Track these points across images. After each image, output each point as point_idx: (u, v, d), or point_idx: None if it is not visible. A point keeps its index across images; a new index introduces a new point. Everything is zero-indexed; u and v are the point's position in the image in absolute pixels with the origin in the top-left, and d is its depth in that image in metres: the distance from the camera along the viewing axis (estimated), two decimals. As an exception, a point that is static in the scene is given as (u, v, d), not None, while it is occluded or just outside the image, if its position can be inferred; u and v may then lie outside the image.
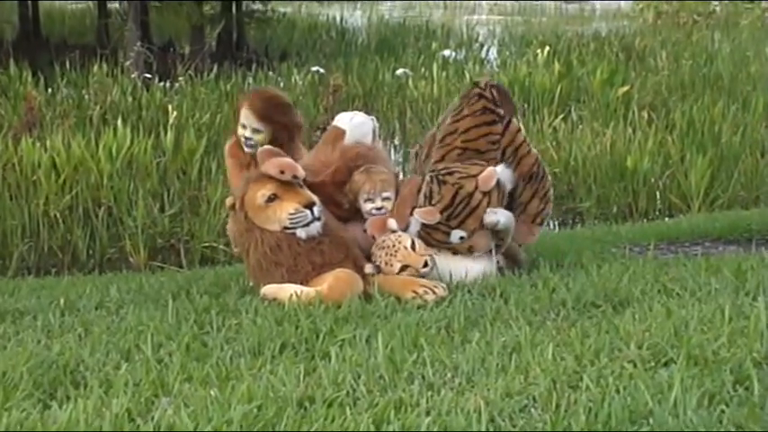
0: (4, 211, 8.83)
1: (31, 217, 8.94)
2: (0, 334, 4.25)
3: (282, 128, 5.29)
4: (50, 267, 8.47)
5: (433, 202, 4.87)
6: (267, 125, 5.26)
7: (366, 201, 5.03)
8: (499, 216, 4.87)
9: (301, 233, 4.62)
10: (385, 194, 5.04)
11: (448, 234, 4.85)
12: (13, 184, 9.25)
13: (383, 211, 5.02)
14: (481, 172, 4.86)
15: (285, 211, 4.60)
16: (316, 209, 4.62)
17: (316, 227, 4.63)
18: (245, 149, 5.30)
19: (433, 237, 4.88)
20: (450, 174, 4.90)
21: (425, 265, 4.73)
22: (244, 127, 5.32)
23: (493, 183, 4.83)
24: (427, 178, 4.96)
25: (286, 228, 4.62)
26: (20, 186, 9.20)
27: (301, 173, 4.72)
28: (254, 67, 16.48)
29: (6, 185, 9.21)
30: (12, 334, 4.24)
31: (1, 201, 8.97)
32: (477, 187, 4.83)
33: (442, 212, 4.83)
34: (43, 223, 8.92)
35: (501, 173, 4.91)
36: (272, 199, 4.62)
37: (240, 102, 5.50)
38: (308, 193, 4.66)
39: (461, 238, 4.85)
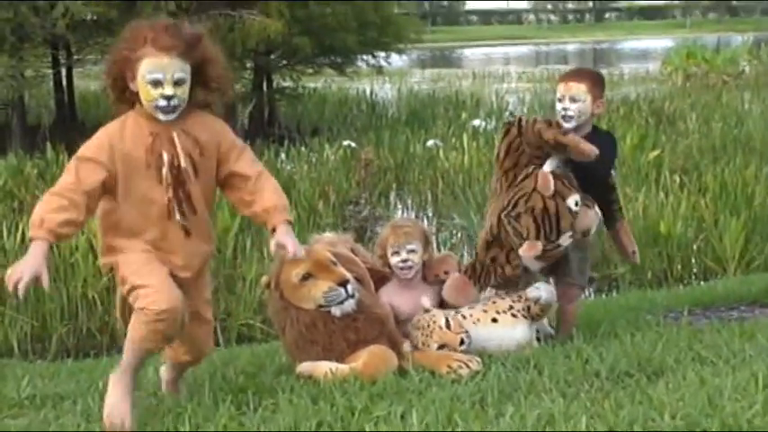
0: (43, 294, 8.93)
1: (69, 299, 9.05)
2: (41, 419, 4.30)
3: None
4: (89, 350, 8.54)
5: (525, 236, 4.95)
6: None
7: (393, 254, 5.15)
8: (542, 291, 4.91)
9: (336, 311, 4.66)
10: (410, 246, 5.12)
11: (558, 244, 4.96)
12: (51, 267, 9.37)
13: (409, 263, 5.11)
14: (535, 182, 4.95)
15: (320, 290, 4.64)
16: (350, 286, 4.66)
17: (350, 304, 4.67)
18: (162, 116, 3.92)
19: (552, 255, 5.01)
20: (515, 205, 4.98)
21: (462, 342, 4.76)
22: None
23: (550, 183, 4.90)
24: (508, 227, 5.03)
25: (321, 306, 4.67)
26: (58, 269, 9.32)
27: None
28: (286, 143, 16.68)
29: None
30: (52, 419, 4.29)
31: (40, 284, 9.10)
32: (542, 196, 4.93)
33: (538, 238, 4.91)
34: (82, 305, 9.02)
35: (549, 166, 5.02)
36: (306, 278, 4.67)
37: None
38: (342, 270, 4.71)
39: (575, 211, 5.01)
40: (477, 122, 18.75)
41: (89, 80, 25.42)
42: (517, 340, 4.91)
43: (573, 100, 5.06)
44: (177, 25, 3.97)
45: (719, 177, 11.66)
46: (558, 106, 5.11)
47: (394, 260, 5.14)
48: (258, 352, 6.10)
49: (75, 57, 21.32)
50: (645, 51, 50.74)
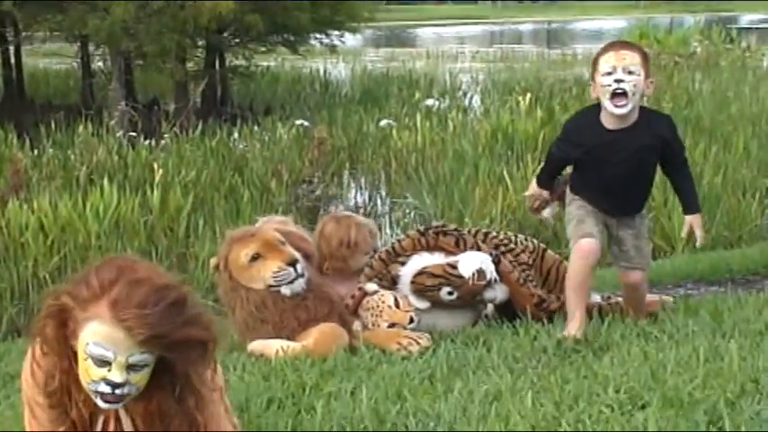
0: (-6, 275, 8.90)
1: (20, 279, 9.00)
2: (-10, 398, 4.30)
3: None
4: (40, 329, 8.50)
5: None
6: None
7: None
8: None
9: (286, 290, 4.69)
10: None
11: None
12: (1, 247, 9.32)
13: None
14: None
15: (269, 270, 4.67)
16: (299, 266, 4.69)
17: (300, 284, 4.70)
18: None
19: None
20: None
21: (411, 320, 4.80)
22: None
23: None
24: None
25: (270, 286, 4.69)
26: (8, 249, 9.27)
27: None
28: (238, 122, 16.63)
29: (-6, 248, 9.28)
30: (2, 398, 4.29)
31: (-11, 263, 9.04)
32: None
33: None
34: (32, 285, 8.97)
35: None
36: (255, 258, 4.69)
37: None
38: (291, 250, 4.73)
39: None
40: (430, 102, 18.77)
41: (37, 57, 25.15)
42: (464, 323, 4.98)
43: (628, 72, 4.45)
44: (159, 296, 2.69)
45: (669, 157, 11.77)
46: (606, 80, 4.47)
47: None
48: (210, 330, 6.10)
49: (24, 34, 21.08)
50: (598, 32, 50.96)
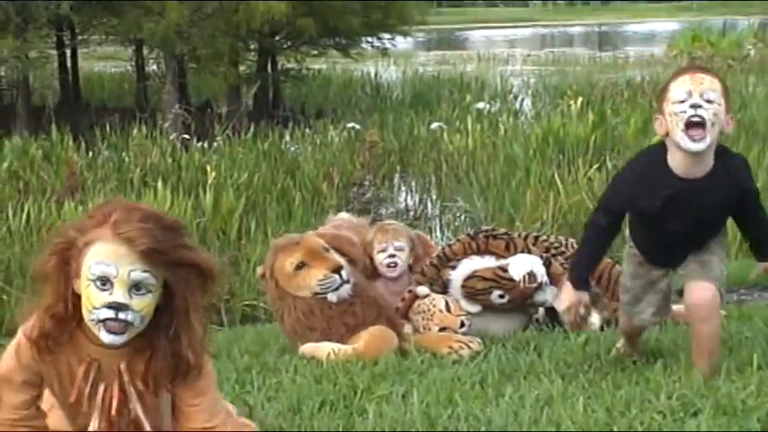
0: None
1: (74, 280, 9.09)
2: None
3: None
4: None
5: None
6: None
7: (379, 252, 5.20)
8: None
9: (332, 297, 4.71)
10: (397, 244, 5.19)
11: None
12: (57, 248, 9.43)
13: (395, 259, 5.16)
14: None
15: (314, 278, 4.69)
16: (344, 272, 4.71)
17: (346, 289, 4.73)
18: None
19: None
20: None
21: (462, 325, 4.82)
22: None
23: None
24: None
25: (317, 293, 4.72)
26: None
27: None
28: (290, 125, 16.73)
29: (50, 249, 9.40)
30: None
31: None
32: None
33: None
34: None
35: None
36: (300, 266, 4.72)
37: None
38: (335, 257, 4.76)
39: None
40: (481, 105, 18.76)
41: (93, 61, 25.47)
42: (515, 327, 4.99)
43: (707, 99, 3.59)
44: (159, 217, 2.74)
45: (723, 161, 11.67)
46: (680, 108, 3.60)
47: (380, 257, 5.23)
48: (262, 332, 6.17)
49: (80, 37, 21.37)
50: (650, 34, 50.62)
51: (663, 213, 3.74)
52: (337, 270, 4.69)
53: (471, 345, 4.61)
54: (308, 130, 16.51)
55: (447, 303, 4.88)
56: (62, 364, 2.80)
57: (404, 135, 16.15)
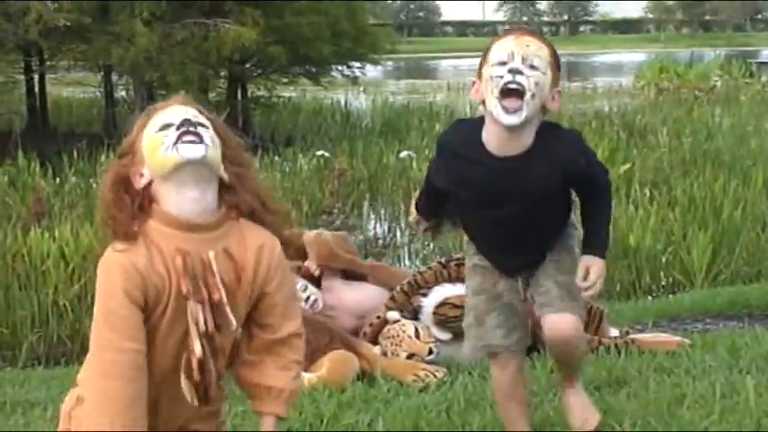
0: (14, 302, 8.92)
1: (40, 307, 9.03)
2: (11, 425, 4.33)
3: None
4: (60, 357, 8.52)
5: None
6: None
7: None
8: None
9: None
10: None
11: None
12: (22, 275, 9.37)
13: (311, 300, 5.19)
14: None
15: None
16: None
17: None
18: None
19: None
20: None
21: (430, 352, 4.83)
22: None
23: None
24: None
25: None
26: (29, 276, 9.31)
27: None
28: (260, 152, 16.71)
29: (16, 276, 9.33)
30: (22, 425, 4.33)
31: (10, 291, 9.07)
32: None
33: None
34: (53, 313, 8.99)
35: None
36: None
37: None
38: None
39: None
40: (450, 134, 18.81)
41: (61, 86, 25.36)
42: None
43: (530, 65, 3.09)
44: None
45: (689, 191, 11.79)
46: (497, 72, 3.08)
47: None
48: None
49: (48, 63, 21.27)
50: (618, 65, 51.05)
51: (480, 199, 3.21)
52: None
53: (437, 373, 4.62)
54: (277, 157, 16.49)
55: (417, 330, 4.89)
56: (151, 267, 2.62)
57: (373, 163, 16.17)
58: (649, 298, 9.29)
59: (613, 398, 3.92)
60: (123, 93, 22.38)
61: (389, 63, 37.03)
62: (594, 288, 3.19)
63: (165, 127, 2.64)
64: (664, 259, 10.06)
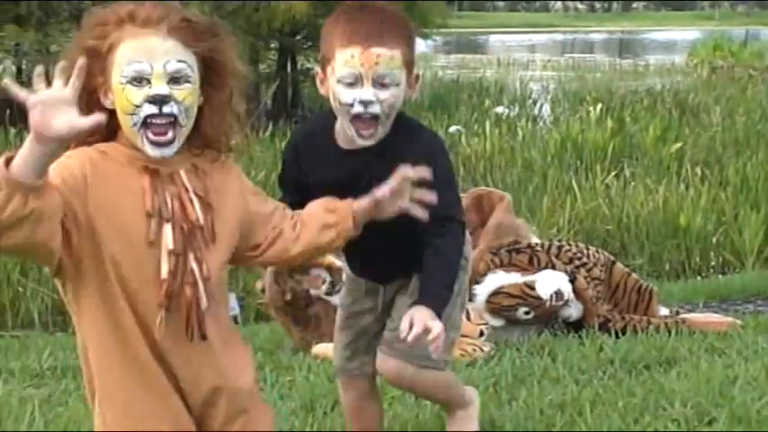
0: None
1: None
2: (62, 390, 4.38)
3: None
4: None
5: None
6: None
7: None
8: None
9: (335, 300, 4.73)
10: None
11: None
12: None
13: None
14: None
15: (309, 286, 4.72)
16: (336, 275, 4.73)
17: None
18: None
19: None
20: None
21: (481, 334, 4.82)
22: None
23: None
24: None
25: (319, 299, 4.74)
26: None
27: None
28: (309, 124, 16.73)
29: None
30: (73, 389, 4.37)
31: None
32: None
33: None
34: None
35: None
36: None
37: None
38: (331, 258, 4.76)
39: None
40: (500, 109, 18.71)
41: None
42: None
43: (382, 84, 2.72)
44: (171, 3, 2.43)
45: (741, 171, 11.64)
46: (346, 96, 2.72)
47: None
48: (276, 329, 6.16)
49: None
50: (671, 43, 50.51)
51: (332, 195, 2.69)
52: (337, 271, 4.71)
53: (484, 348, 4.61)
54: (326, 130, 16.52)
55: (468, 312, 4.88)
56: (113, 184, 2.31)
57: (422, 137, 16.12)
58: (699, 278, 9.21)
59: (664, 377, 3.89)
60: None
61: (439, 37, 36.83)
62: (436, 344, 2.50)
63: (138, 81, 2.29)
64: (714, 240, 9.95)
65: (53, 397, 4.25)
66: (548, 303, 4.83)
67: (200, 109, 2.41)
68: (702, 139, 14.16)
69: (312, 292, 4.81)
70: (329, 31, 2.74)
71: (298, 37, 20.91)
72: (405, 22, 2.81)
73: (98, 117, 2.13)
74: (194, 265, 2.36)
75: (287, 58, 21.67)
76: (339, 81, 2.69)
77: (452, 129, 16.28)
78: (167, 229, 2.33)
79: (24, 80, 20.62)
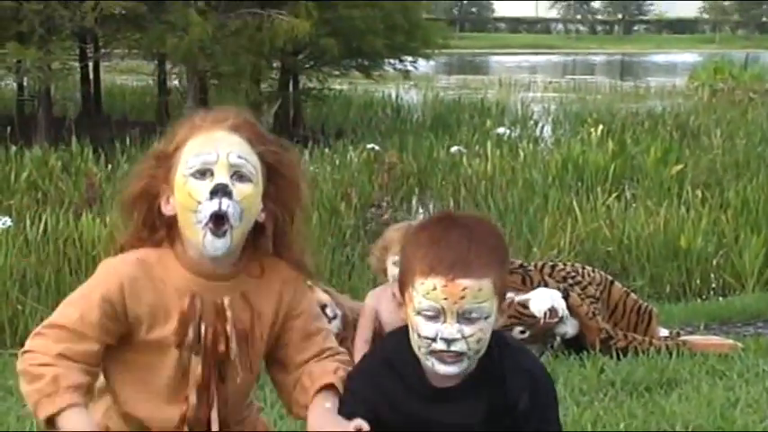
0: (65, 286, 8.98)
1: (90, 291, 9.10)
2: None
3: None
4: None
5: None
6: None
7: (394, 263, 4.42)
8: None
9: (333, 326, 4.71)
10: None
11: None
12: (73, 259, 9.45)
13: None
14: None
15: None
16: (328, 309, 4.70)
17: (335, 325, 4.73)
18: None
19: None
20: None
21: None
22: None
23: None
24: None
25: None
26: (80, 261, 9.39)
27: None
28: (310, 144, 16.74)
29: (67, 260, 9.41)
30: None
31: (61, 275, 9.15)
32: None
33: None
34: (102, 297, 9.05)
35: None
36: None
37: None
38: (321, 294, 4.72)
39: None
40: (501, 130, 18.74)
41: (115, 74, 25.58)
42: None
43: (468, 318, 2.33)
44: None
45: (742, 194, 11.64)
46: (426, 330, 2.35)
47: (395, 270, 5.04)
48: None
49: (103, 50, 21.47)
50: (672, 65, 50.62)
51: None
52: (322, 307, 4.67)
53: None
54: (327, 149, 16.51)
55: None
56: (156, 299, 2.38)
57: (423, 158, 16.12)
58: (700, 300, 9.20)
59: (665, 399, 3.88)
60: (176, 82, 22.54)
61: (441, 58, 36.91)
62: None
63: (201, 174, 2.32)
64: (715, 262, 9.95)
65: (51, 415, 4.22)
66: (542, 321, 4.82)
67: (263, 226, 2.46)
68: (703, 162, 14.17)
69: None
70: (409, 253, 2.43)
71: (300, 56, 20.97)
72: (497, 241, 2.43)
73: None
74: (214, 390, 2.42)
75: (289, 77, 21.74)
76: (419, 307, 2.35)
77: (454, 149, 16.31)
78: (195, 362, 2.39)
79: (26, 98, 20.67)
